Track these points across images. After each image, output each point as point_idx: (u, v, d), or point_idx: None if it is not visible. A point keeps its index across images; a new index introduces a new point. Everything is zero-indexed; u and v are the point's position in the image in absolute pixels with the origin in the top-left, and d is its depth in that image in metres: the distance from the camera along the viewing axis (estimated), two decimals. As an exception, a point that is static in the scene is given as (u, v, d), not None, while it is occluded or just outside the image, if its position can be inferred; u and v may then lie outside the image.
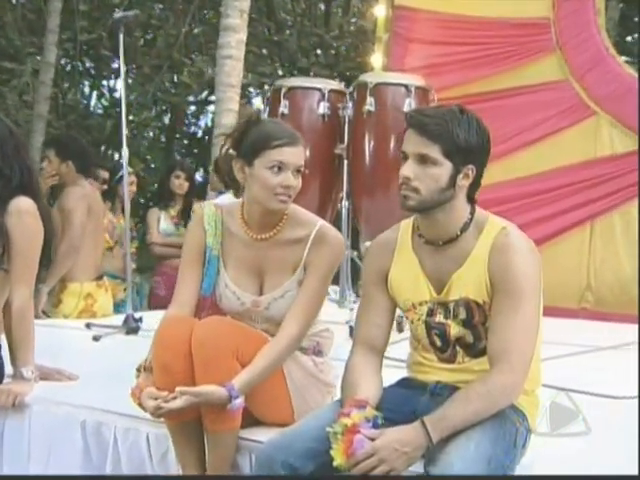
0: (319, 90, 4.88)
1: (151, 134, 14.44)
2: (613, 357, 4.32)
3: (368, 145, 4.79)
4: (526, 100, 6.42)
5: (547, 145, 6.34)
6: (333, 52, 13.25)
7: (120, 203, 5.84)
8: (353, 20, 14.07)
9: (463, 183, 2.33)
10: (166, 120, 14.28)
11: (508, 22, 6.70)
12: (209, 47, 12.27)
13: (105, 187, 5.89)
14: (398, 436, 2.17)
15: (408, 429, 2.19)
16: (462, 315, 2.38)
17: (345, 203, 4.84)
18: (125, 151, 4.66)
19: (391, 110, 4.75)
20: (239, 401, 2.45)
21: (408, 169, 2.30)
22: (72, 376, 3.39)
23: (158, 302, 5.80)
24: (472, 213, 2.39)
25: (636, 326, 5.41)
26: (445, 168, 2.28)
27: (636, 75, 6.37)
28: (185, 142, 14.58)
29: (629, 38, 13.05)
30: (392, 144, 4.74)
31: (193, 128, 14.56)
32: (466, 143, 2.27)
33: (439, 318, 2.41)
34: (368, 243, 4.84)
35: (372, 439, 2.18)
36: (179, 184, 6.02)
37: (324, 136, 4.77)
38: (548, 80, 6.50)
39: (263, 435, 2.59)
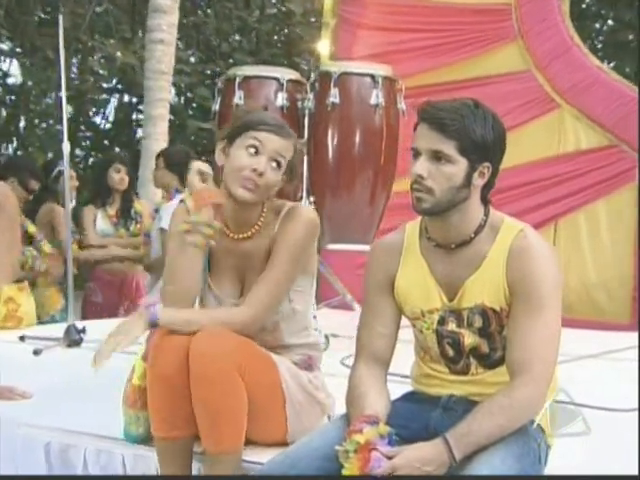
0: (276, 80, 4.88)
1: (44, 125, 14.17)
2: (595, 366, 4.45)
3: (332, 140, 4.81)
4: (484, 92, 6.29)
5: (507, 140, 6.42)
6: (254, 36, 13.26)
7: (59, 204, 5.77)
8: (274, 1, 14.10)
9: (478, 182, 2.36)
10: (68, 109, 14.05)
11: (465, 8, 6.80)
12: (120, 30, 12.17)
13: (30, 197, 5.79)
14: (419, 454, 2.18)
15: (428, 446, 2.19)
16: (477, 323, 2.40)
17: (305, 202, 4.85)
18: (66, 145, 4.59)
19: (357, 102, 4.78)
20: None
21: (421, 167, 2.30)
22: (25, 394, 3.34)
23: (93, 310, 5.73)
24: (486, 215, 2.42)
25: (601, 333, 5.62)
26: (460, 166, 2.30)
27: (602, 66, 6.56)
28: (89, 134, 14.37)
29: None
30: (358, 139, 4.78)
31: (99, 119, 14.38)
32: (482, 139, 2.31)
33: (451, 327, 2.43)
34: (331, 246, 4.90)
35: (389, 457, 2.18)
36: (120, 179, 5.86)
37: (283, 130, 4.75)
38: (509, 70, 6.63)
39: (256, 455, 2.62)
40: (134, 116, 14.12)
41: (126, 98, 14.07)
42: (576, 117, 6.49)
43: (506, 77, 6.64)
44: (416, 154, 2.33)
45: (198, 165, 2.67)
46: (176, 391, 2.51)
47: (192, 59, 13.26)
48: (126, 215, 5.91)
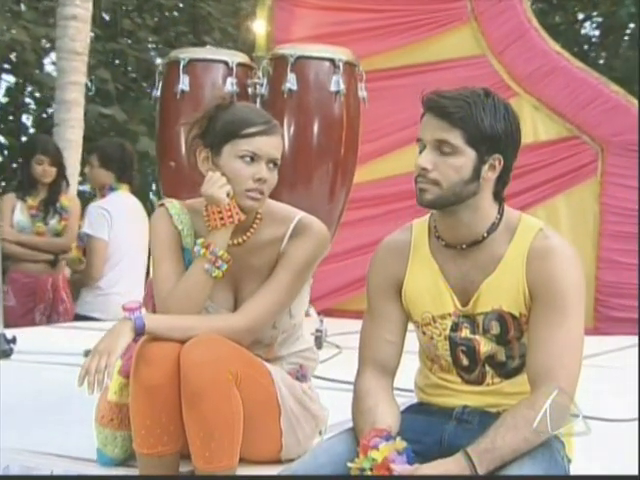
0: (225, 63, 4.85)
1: None
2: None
3: (287, 130, 4.79)
4: (435, 78, 6.30)
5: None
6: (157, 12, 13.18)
7: None
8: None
9: (489, 175, 2.39)
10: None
11: (415, -13, 6.88)
12: (4, 2, 11.95)
13: None
14: (442, 470, 2.21)
15: (449, 462, 2.22)
16: (495, 330, 2.45)
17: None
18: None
19: (315, 89, 4.78)
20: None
21: (426, 159, 2.34)
22: None
23: (8, 316, 5.60)
24: (501, 213, 2.46)
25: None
26: (468, 157, 2.34)
27: (563, 52, 6.71)
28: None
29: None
30: (316, 129, 4.79)
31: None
32: (491, 129, 2.34)
33: (465, 333, 2.48)
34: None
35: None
36: (43, 171, 5.77)
37: (232, 118, 4.74)
38: (462, 55, 6.75)
39: (250, 472, 2.67)
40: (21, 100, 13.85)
41: (12, 79, 13.79)
42: (535, 106, 6.63)
43: (459, 62, 6.74)
44: (421, 146, 2.38)
45: (221, 177, 2.68)
46: (163, 403, 2.53)
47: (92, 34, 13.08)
48: (49, 208, 5.80)
